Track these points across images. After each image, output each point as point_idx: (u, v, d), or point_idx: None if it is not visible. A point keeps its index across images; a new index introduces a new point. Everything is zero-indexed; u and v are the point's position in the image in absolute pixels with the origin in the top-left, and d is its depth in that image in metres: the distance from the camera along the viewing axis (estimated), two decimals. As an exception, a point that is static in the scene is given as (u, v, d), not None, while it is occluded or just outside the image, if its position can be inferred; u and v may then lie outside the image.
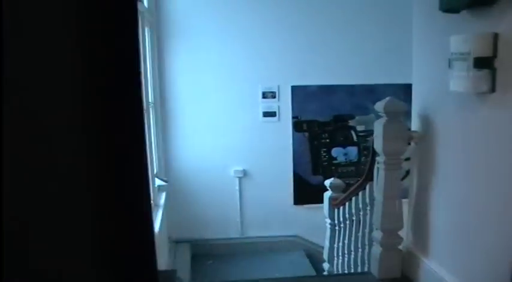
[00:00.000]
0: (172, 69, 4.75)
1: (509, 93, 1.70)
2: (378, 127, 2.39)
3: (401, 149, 2.40)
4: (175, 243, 4.91)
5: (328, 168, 5.12)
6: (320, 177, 5.07)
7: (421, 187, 2.41)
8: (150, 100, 4.41)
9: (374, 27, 4.91)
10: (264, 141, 4.93)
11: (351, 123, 5.11)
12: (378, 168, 2.54)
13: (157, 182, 4.44)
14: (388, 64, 4.92)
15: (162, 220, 3.97)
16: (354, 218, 3.22)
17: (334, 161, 5.13)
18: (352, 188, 3.24)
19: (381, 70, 4.96)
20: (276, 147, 4.96)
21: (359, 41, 4.93)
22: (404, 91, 5.09)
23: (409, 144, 2.43)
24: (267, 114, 4.96)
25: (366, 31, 4.90)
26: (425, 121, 2.34)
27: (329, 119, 5.06)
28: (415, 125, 2.47)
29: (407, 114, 2.48)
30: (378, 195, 2.53)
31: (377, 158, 2.52)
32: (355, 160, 5.15)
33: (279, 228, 5.05)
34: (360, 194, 3.04)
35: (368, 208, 2.92)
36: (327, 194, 3.68)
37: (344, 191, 3.60)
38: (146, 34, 4.21)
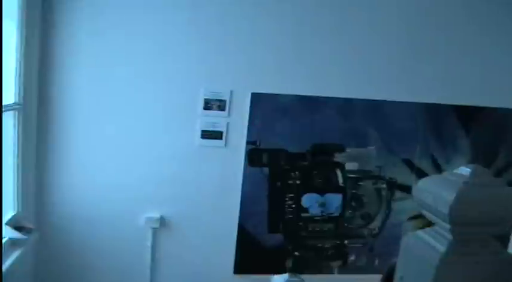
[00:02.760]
0: (65, 50, 2.93)
1: None
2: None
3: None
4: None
5: (294, 223, 3.41)
6: (279, 237, 3.42)
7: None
8: (14, 100, 2.69)
9: (393, 20, 3.10)
10: (198, 177, 3.21)
11: (338, 158, 3.37)
12: None
13: (9, 232, 2.78)
14: (404, 74, 3.20)
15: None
16: None
17: (304, 214, 3.41)
18: None
19: (394, 81, 3.23)
20: (216, 187, 3.25)
21: (360, 34, 3.14)
22: (428, 112, 3.36)
23: None
24: (208, 134, 3.20)
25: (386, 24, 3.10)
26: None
27: (305, 149, 3.32)
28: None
29: None
30: None
31: None
32: (337, 214, 3.44)
33: (208, 304, 3.44)
34: None
35: None
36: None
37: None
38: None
